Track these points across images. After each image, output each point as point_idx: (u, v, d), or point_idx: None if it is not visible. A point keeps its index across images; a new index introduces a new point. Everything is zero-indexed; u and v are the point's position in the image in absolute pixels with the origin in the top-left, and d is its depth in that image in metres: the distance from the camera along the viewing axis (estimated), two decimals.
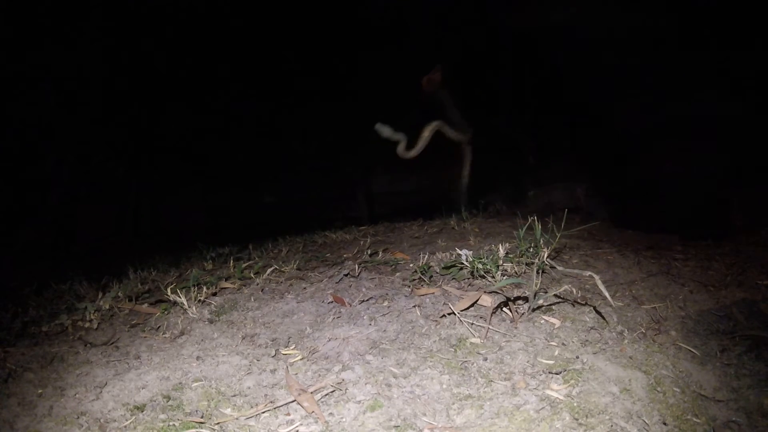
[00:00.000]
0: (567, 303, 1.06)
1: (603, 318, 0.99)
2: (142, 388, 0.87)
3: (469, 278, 1.24)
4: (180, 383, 0.88)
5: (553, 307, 1.04)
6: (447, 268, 1.31)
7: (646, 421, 0.68)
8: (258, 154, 4.08)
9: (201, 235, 2.57)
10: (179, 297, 1.25)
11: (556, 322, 0.97)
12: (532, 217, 1.37)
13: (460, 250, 1.35)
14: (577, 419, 0.68)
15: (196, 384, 0.87)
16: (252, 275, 1.48)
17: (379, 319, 1.06)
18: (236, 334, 1.08)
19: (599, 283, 0.94)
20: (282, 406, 0.79)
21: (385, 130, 1.45)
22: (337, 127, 3.96)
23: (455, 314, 1.02)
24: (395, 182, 3.90)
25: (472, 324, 0.99)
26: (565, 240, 1.56)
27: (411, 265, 1.42)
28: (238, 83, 3.79)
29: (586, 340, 0.90)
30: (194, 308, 1.22)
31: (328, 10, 3.44)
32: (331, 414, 0.75)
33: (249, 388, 0.86)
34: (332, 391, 0.81)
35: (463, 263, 1.29)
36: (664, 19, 1.88)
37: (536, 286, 1.02)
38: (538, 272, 1.02)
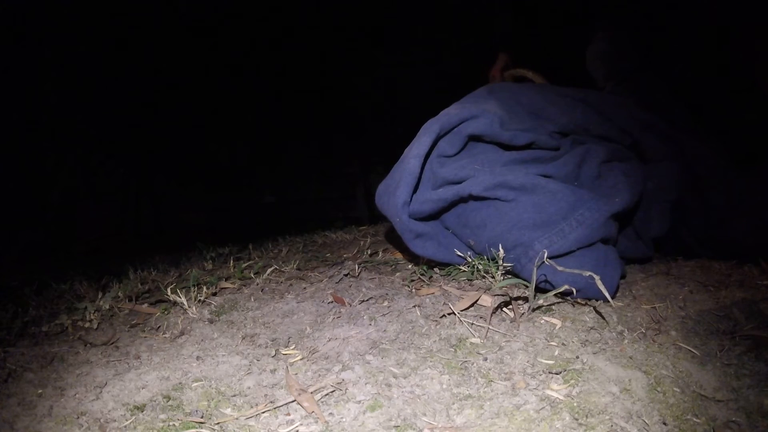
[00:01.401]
0: (567, 303, 1.06)
1: (603, 318, 0.99)
2: (142, 388, 0.87)
3: (469, 278, 1.24)
4: (180, 383, 0.88)
5: (553, 307, 1.04)
6: (447, 268, 1.31)
7: (646, 421, 0.68)
8: (258, 154, 4.08)
9: (201, 235, 2.57)
10: (179, 297, 1.25)
11: (557, 322, 0.97)
12: None
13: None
14: (577, 419, 0.68)
15: (196, 384, 0.87)
16: (252, 275, 1.48)
17: (379, 319, 1.06)
18: (236, 334, 1.08)
19: (599, 283, 0.94)
20: (282, 406, 0.79)
21: None
22: (337, 127, 3.96)
23: (455, 314, 1.02)
24: None
25: (472, 324, 0.99)
26: None
27: (411, 265, 1.42)
28: (239, 82, 3.79)
29: (586, 340, 0.90)
30: (194, 308, 1.22)
31: (328, 6, 3.43)
32: (331, 414, 0.75)
33: (249, 388, 0.86)
34: (332, 391, 0.81)
35: (462, 264, 1.29)
36: None
37: (536, 285, 1.02)
38: (537, 272, 1.02)
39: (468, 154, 1.27)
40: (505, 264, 1.15)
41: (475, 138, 1.26)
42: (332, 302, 1.19)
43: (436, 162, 1.25)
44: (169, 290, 1.29)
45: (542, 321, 0.98)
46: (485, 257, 1.23)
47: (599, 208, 1.09)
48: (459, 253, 1.25)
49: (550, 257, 1.02)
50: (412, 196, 1.21)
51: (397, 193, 1.20)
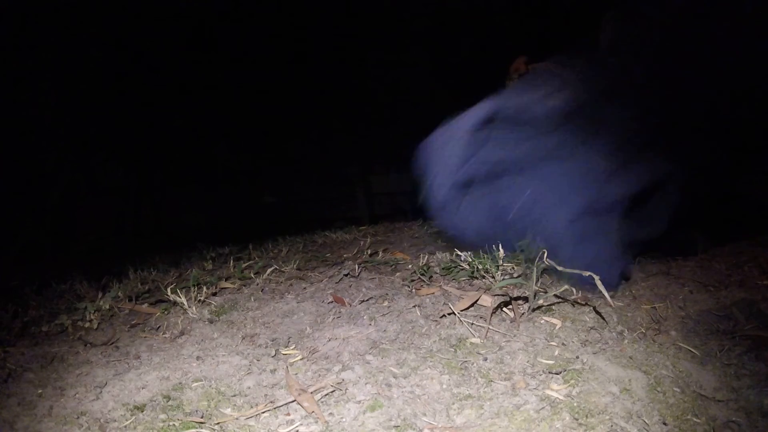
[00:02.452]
0: (567, 303, 1.06)
1: (603, 318, 0.99)
2: (142, 388, 0.87)
3: (469, 278, 1.24)
4: (180, 383, 0.88)
5: (553, 307, 1.04)
6: (447, 268, 1.31)
7: (646, 421, 0.68)
8: (258, 154, 4.08)
9: (201, 235, 2.57)
10: (179, 297, 1.25)
11: (557, 322, 0.97)
12: None
13: (460, 250, 1.35)
14: (577, 419, 0.68)
15: (196, 384, 0.87)
16: (252, 275, 1.48)
17: (379, 319, 1.06)
18: (236, 334, 1.08)
19: (599, 283, 0.94)
20: (282, 406, 0.79)
21: None
22: (337, 127, 3.96)
23: (455, 314, 1.02)
24: (395, 182, 3.91)
25: (472, 324, 0.99)
26: None
27: (411, 265, 1.42)
28: (239, 82, 3.79)
29: (586, 340, 0.90)
30: (194, 308, 1.22)
31: (330, 7, 3.42)
32: (331, 414, 0.75)
33: (249, 388, 0.86)
34: (332, 391, 0.81)
35: (462, 263, 1.29)
36: None
37: (536, 285, 1.02)
38: (538, 272, 1.02)
39: (504, 130, 1.33)
40: (505, 264, 1.15)
41: (512, 121, 1.31)
42: (332, 302, 1.19)
43: (475, 137, 1.30)
44: (169, 290, 1.28)
45: (542, 321, 0.98)
46: (485, 256, 1.24)
47: (613, 196, 1.15)
48: (459, 253, 1.26)
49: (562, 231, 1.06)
50: (455, 167, 1.25)
51: (440, 163, 1.24)
